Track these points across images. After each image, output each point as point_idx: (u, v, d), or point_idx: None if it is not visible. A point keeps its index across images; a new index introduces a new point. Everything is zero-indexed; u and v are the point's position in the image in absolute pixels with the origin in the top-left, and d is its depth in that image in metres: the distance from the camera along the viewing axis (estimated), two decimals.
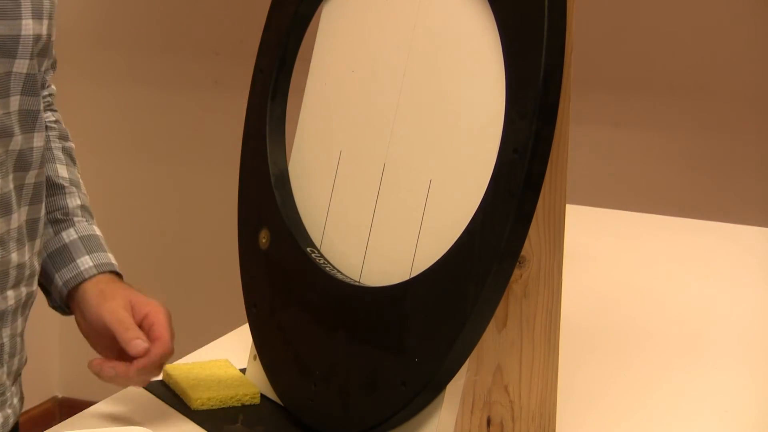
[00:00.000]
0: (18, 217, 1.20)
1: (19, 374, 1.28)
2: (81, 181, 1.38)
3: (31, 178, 1.21)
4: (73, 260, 1.30)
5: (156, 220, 3.29)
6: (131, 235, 3.24)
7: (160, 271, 3.25)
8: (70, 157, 1.38)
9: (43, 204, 1.25)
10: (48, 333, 3.36)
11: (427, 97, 1.18)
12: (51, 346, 3.40)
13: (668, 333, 1.63)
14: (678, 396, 1.40)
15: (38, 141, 1.20)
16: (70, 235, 1.32)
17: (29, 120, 1.18)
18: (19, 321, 1.24)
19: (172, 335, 1.24)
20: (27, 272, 1.23)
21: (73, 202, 1.34)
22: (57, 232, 1.32)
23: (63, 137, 1.38)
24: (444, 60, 1.16)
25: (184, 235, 3.32)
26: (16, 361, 1.25)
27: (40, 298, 1.32)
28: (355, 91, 1.26)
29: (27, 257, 1.22)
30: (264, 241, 1.31)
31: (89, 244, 1.32)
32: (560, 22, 1.07)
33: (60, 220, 1.33)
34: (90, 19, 3.16)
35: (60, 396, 3.46)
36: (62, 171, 1.35)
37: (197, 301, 3.31)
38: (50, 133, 1.36)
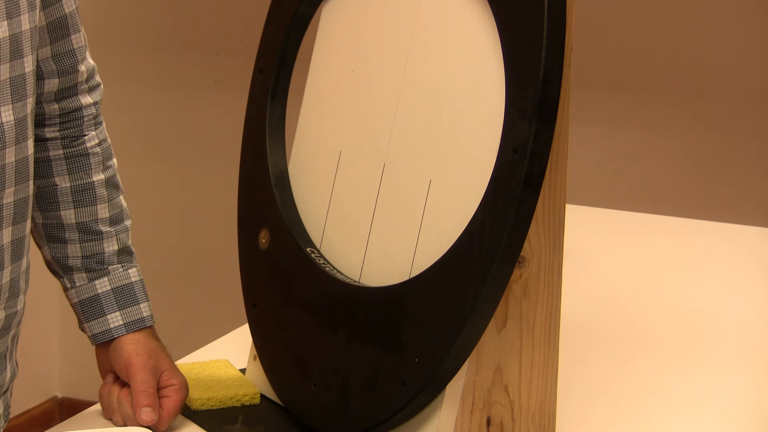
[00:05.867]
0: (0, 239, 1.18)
1: (6, 390, 1.28)
2: (124, 203, 1.34)
3: (8, 197, 1.18)
4: (104, 314, 1.30)
5: (156, 220, 3.29)
6: (131, 234, 3.23)
7: (160, 271, 3.25)
8: (112, 185, 1.33)
9: (28, 221, 1.22)
10: (48, 333, 3.36)
11: (426, 97, 1.18)
12: (51, 346, 3.40)
13: (668, 333, 1.63)
14: (678, 396, 1.40)
15: (10, 156, 1.17)
16: (103, 285, 1.31)
17: None
18: (0, 342, 1.24)
19: (176, 414, 1.26)
20: (6, 294, 1.21)
21: (111, 247, 1.31)
22: (90, 279, 1.31)
23: (106, 159, 1.33)
24: (444, 60, 1.16)
25: (184, 235, 3.32)
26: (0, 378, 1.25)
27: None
28: (355, 91, 1.26)
29: (8, 279, 1.21)
30: (264, 241, 1.31)
31: (122, 296, 1.31)
32: (560, 22, 1.07)
33: (94, 269, 1.31)
34: (90, 19, 3.16)
35: (60, 396, 3.46)
36: (102, 212, 1.31)
37: (197, 301, 3.31)
38: (91, 161, 1.31)
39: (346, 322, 1.19)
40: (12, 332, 1.25)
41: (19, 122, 1.17)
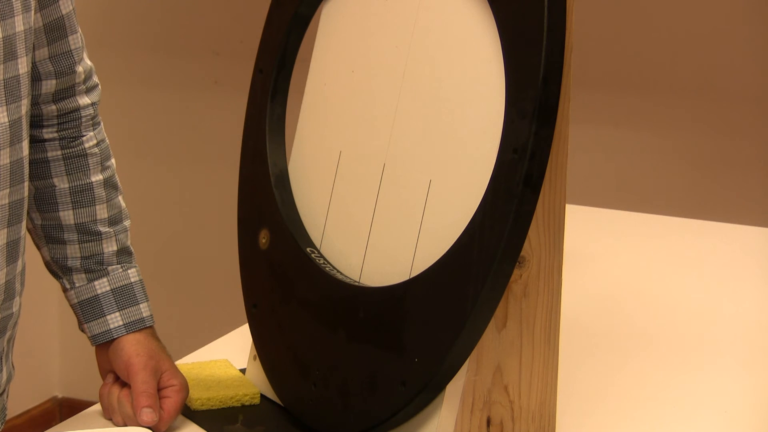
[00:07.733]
0: None
1: (2, 392, 1.28)
2: (123, 204, 1.34)
3: (3, 198, 1.18)
4: (103, 315, 1.30)
5: (156, 220, 3.29)
6: (131, 234, 3.23)
7: (160, 271, 3.25)
8: (111, 186, 1.33)
9: (23, 223, 1.22)
10: (48, 333, 3.36)
11: (426, 97, 1.18)
12: (51, 346, 3.40)
13: (668, 333, 1.63)
14: (678, 396, 1.40)
15: (5, 158, 1.17)
16: (102, 285, 1.30)
17: None
18: None
19: (177, 414, 1.26)
20: (2, 296, 1.21)
21: (110, 247, 1.31)
22: (90, 280, 1.31)
23: (104, 159, 1.32)
24: (444, 60, 1.16)
25: (184, 235, 3.31)
26: None
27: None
28: (354, 91, 1.26)
29: (3, 281, 1.20)
30: (264, 241, 1.31)
31: (121, 297, 1.30)
32: (560, 22, 1.07)
33: (94, 269, 1.31)
34: (89, 19, 3.16)
35: (60, 396, 3.46)
36: (101, 212, 1.31)
37: (197, 301, 3.31)
38: (89, 161, 1.31)
39: (346, 322, 1.19)
40: (8, 334, 1.25)
41: (14, 124, 1.17)
